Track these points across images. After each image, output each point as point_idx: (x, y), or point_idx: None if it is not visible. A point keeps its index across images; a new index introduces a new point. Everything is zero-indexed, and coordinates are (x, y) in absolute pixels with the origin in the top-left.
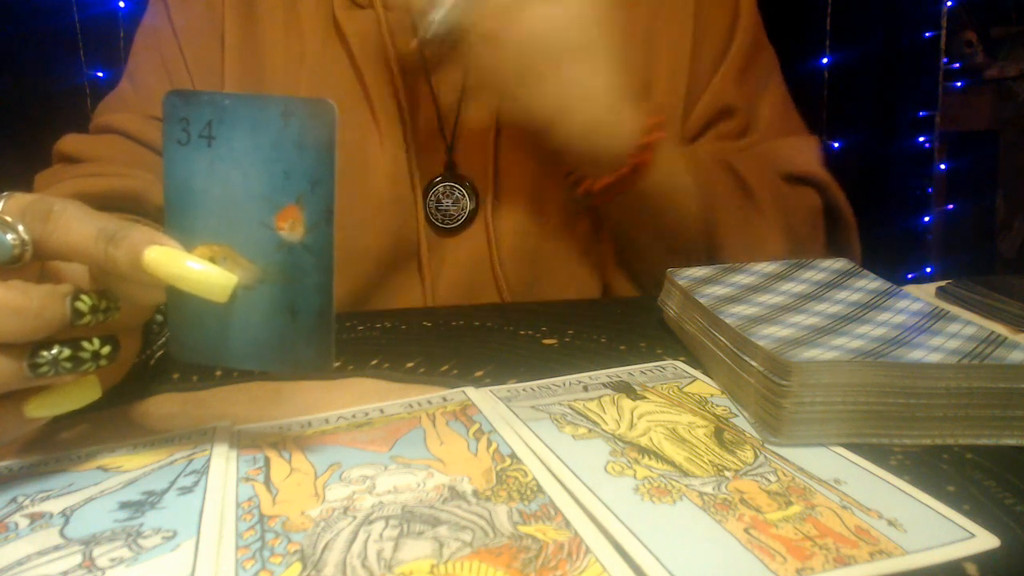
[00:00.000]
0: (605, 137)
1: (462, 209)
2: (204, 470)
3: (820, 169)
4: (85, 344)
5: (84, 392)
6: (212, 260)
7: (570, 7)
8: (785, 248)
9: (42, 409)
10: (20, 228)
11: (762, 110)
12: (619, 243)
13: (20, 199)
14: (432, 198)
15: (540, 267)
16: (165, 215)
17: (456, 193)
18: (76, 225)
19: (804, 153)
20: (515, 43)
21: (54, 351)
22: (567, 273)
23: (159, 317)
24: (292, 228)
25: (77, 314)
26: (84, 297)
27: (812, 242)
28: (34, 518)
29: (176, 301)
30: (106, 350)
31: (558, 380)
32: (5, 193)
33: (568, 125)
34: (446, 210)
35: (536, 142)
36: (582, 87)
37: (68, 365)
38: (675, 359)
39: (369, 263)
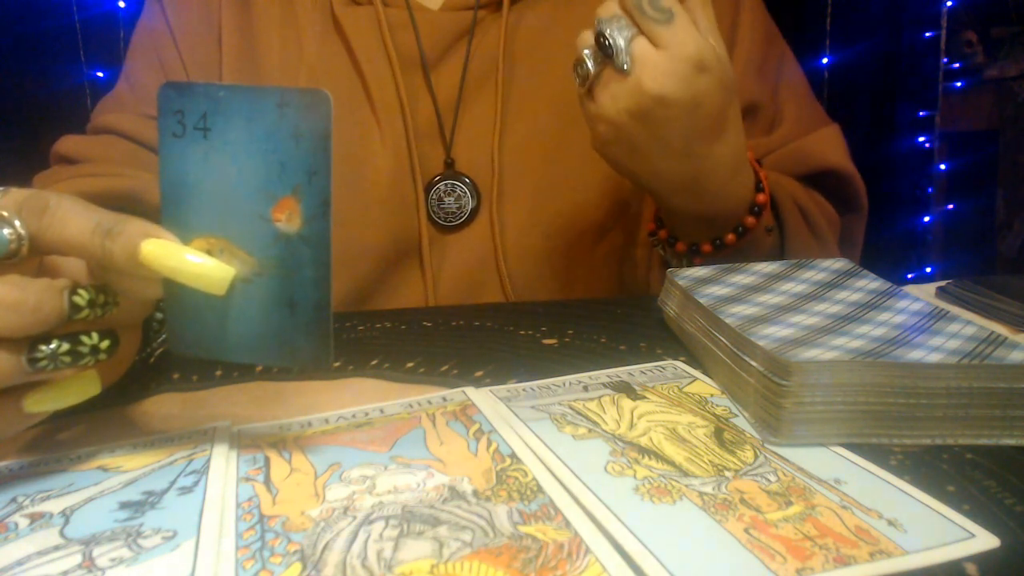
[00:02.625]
0: (729, 200)
1: (463, 207)
2: (204, 470)
3: (846, 161)
4: (84, 338)
5: (83, 387)
6: (209, 253)
7: (724, 73)
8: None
9: (41, 404)
10: (17, 223)
11: (787, 103)
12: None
13: (17, 194)
14: (434, 196)
15: (544, 264)
16: (161, 208)
17: (457, 191)
18: (73, 219)
19: (832, 147)
20: (682, 109)
21: (53, 345)
22: (572, 270)
23: (159, 315)
24: (289, 220)
25: (75, 308)
26: (81, 291)
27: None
28: (34, 518)
29: (174, 295)
30: (105, 344)
31: (558, 380)
32: (1, 188)
33: (698, 192)
34: (447, 208)
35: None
36: (720, 155)
37: (67, 359)
38: (675, 359)
39: (370, 261)
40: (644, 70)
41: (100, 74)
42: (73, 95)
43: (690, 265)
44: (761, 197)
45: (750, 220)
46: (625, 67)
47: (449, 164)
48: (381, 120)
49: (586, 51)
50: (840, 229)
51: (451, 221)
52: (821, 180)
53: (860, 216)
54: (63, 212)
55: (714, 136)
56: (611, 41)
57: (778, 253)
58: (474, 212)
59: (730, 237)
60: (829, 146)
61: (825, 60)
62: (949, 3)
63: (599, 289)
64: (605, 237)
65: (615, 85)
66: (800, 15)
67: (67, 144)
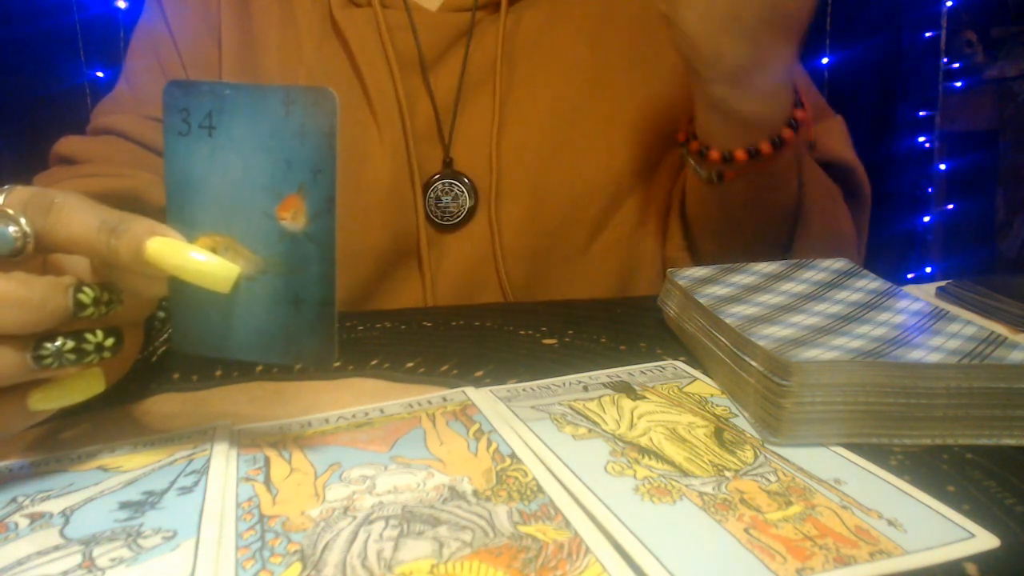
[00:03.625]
0: (772, 104)
1: (461, 206)
2: (204, 470)
3: (850, 152)
4: (88, 336)
5: (88, 384)
6: (214, 251)
7: None
8: (853, 237)
9: (46, 401)
10: (22, 221)
11: None
12: (701, 222)
13: (22, 192)
14: (431, 195)
15: (542, 262)
16: (166, 206)
17: (455, 190)
18: (78, 217)
19: (836, 139)
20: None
21: (57, 343)
22: (570, 267)
23: (160, 314)
24: (294, 218)
25: (79, 306)
26: (86, 289)
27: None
28: (34, 518)
29: (178, 293)
30: (110, 342)
31: (558, 380)
32: (7, 186)
33: (747, 85)
34: (445, 207)
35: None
36: (782, 58)
37: (72, 357)
38: (675, 359)
39: (369, 261)
40: None
41: (100, 74)
42: (73, 95)
43: (720, 177)
44: (800, 113)
45: (787, 132)
46: None
47: (448, 164)
48: (380, 121)
49: None
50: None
51: (449, 220)
52: (826, 171)
53: (864, 208)
54: (68, 210)
55: (787, 35)
56: None
57: (795, 203)
58: (472, 211)
59: (765, 146)
60: (833, 137)
61: (825, 60)
62: (949, 3)
63: (597, 285)
64: (603, 234)
65: None
66: None
67: (67, 144)
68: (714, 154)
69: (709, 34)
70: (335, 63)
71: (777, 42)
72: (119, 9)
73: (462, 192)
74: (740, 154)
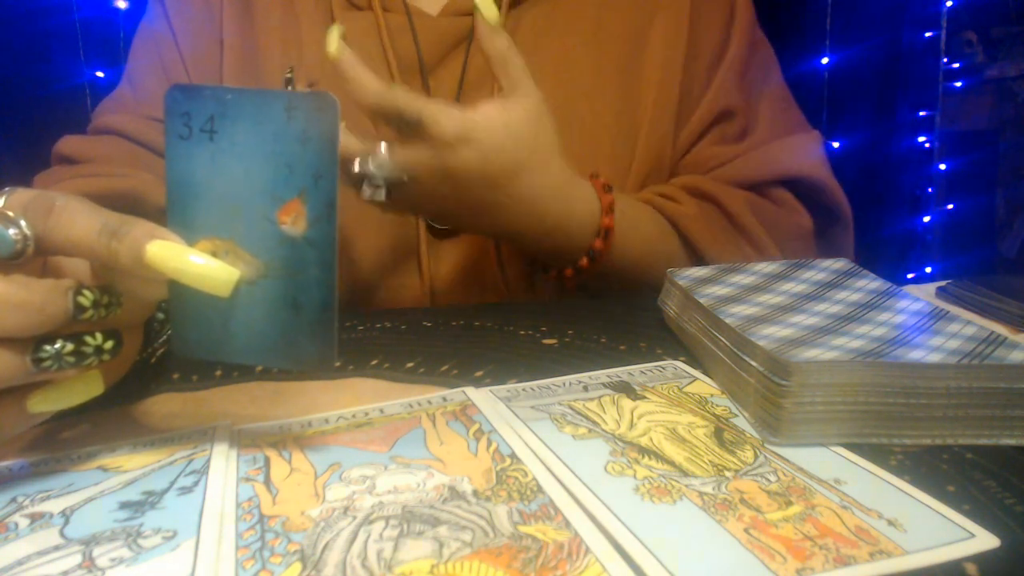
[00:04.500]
0: (564, 237)
1: None
2: (204, 470)
3: (819, 169)
4: (88, 339)
5: (87, 387)
6: (214, 255)
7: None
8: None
9: (45, 404)
10: (22, 223)
11: (762, 110)
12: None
13: (22, 195)
14: None
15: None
16: (167, 210)
17: None
18: (79, 220)
19: (802, 154)
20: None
21: (57, 345)
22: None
23: (160, 315)
24: (295, 222)
25: (79, 309)
26: (86, 292)
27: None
28: (34, 518)
29: (178, 296)
30: (109, 344)
31: (558, 380)
32: (7, 189)
33: (526, 240)
34: None
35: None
36: (521, 196)
37: (71, 359)
38: (675, 359)
39: (368, 263)
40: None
41: (100, 74)
42: (73, 95)
43: (563, 284)
44: (607, 220)
45: (598, 243)
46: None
47: None
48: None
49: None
50: (812, 236)
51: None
52: (794, 188)
53: (844, 227)
54: (69, 213)
55: (505, 182)
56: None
57: (686, 256)
58: None
59: (583, 261)
60: (799, 152)
61: (825, 60)
62: (949, 3)
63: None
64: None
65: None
66: (800, 15)
67: (68, 144)
68: (552, 273)
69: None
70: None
71: (475, 217)
72: (119, 9)
73: None
74: (568, 271)
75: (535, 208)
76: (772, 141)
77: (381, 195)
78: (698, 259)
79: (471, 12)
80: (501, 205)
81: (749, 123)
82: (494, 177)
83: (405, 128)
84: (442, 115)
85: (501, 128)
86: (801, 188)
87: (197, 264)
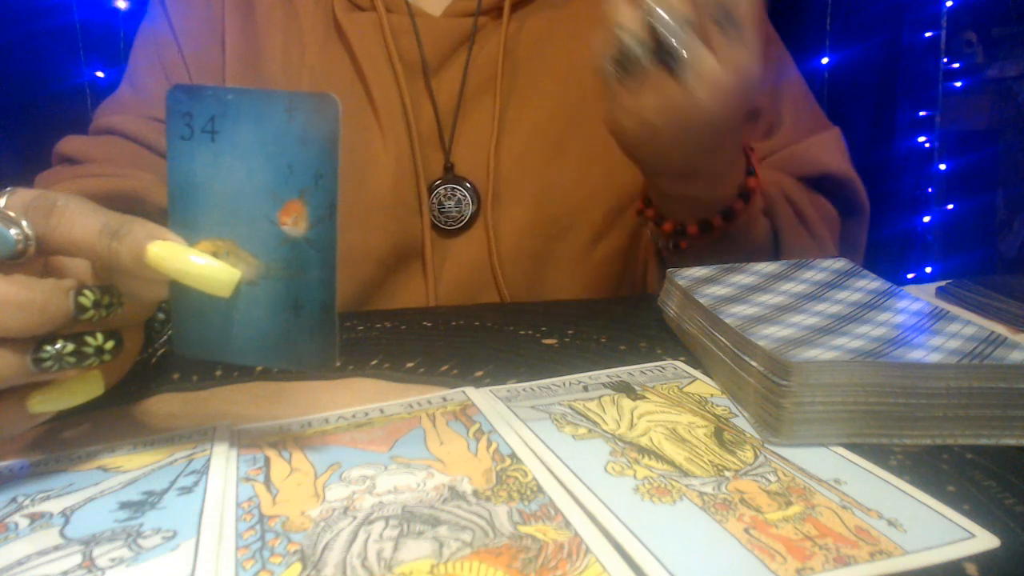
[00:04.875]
0: (719, 187)
1: (463, 212)
2: (204, 470)
3: (845, 165)
4: (88, 339)
5: (87, 387)
6: (215, 255)
7: (757, 89)
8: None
9: (45, 404)
10: (24, 223)
11: (784, 107)
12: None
13: (24, 194)
14: (434, 200)
15: (543, 267)
16: (168, 210)
17: (458, 195)
18: (80, 220)
19: (828, 151)
20: (719, 121)
21: (57, 346)
22: (571, 273)
23: (160, 315)
24: (295, 223)
25: (80, 309)
26: (87, 292)
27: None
28: (34, 518)
29: (179, 296)
30: (109, 345)
31: (558, 380)
32: (8, 188)
33: (693, 179)
34: (448, 212)
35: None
36: (725, 153)
37: (72, 360)
38: (675, 359)
39: (372, 263)
40: (703, 85)
41: (100, 74)
42: (73, 95)
43: (676, 247)
44: (752, 182)
45: (739, 204)
46: (688, 77)
47: (448, 169)
48: (383, 125)
49: (638, 46)
50: (840, 230)
51: (452, 225)
52: (820, 184)
53: (861, 220)
54: (70, 213)
55: (727, 140)
56: (677, 49)
57: (769, 245)
58: (474, 216)
59: (717, 220)
60: (827, 150)
61: (825, 60)
62: (949, 3)
63: (598, 292)
64: (604, 240)
65: (668, 91)
66: (800, 15)
67: (70, 144)
68: (667, 226)
69: (647, 142)
70: (338, 67)
71: (716, 142)
72: (119, 9)
73: (465, 197)
74: (692, 228)
75: (722, 160)
76: (799, 138)
77: (642, 67)
78: (776, 246)
79: (473, 13)
80: (711, 149)
81: (774, 120)
82: (735, 128)
83: (727, 25)
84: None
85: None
86: (828, 184)
87: (198, 264)
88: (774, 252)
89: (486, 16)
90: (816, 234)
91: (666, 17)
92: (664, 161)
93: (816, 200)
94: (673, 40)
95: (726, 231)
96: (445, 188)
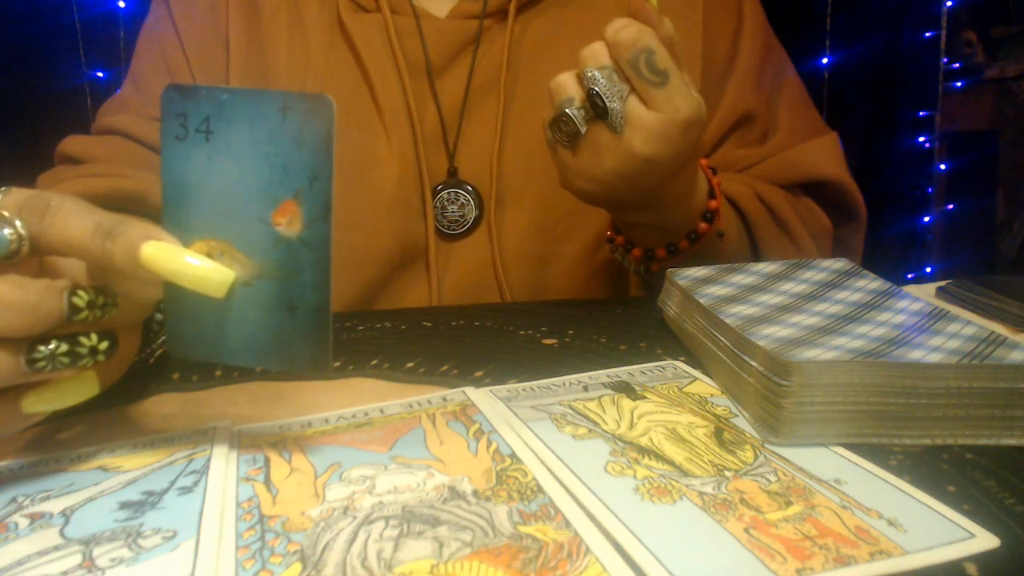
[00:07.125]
0: (677, 213)
1: (466, 216)
2: (204, 470)
3: (840, 171)
4: (83, 339)
5: (82, 388)
6: (209, 256)
7: (704, 125)
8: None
9: (39, 404)
10: (17, 223)
11: (781, 112)
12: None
13: (18, 194)
14: (437, 204)
15: (545, 271)
16: (163, 210)
17: (461, 199)
18: (74, 220)
19: (825, 157)
20: (665, 165)
21: (51, 346)
22: (572, 277)
23: (159, 316)
24: (290, 224)
25: (74, 309)
26: (81, 292)
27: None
28: (34, 518)
29: (173, 297)
30: (104, 346)
31: (558, 380)
32: (3, 188)
33: (653, 209)
34: (451, 216)
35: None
36: (680, 184)
37: (66, 360)
38: (675, 359)
39: (375, 265)
40: (637, 133)
41: (100, 74)
42: (73, 95)
43: (647, 271)
44: (713, 203)
45: (703, 226)
46: (619, 130)
47: (452, 172)
48: (388, 126)
49: (574, 109)
50: (832, 236)
51: (455, 229)
52: (814, 190)
53: (858, 227)
54: (64, 213)
55: (680, 172)
56: (607, 102)
57: (746, 252)
58: (477, 220)
59: (683, 243)
60: (822, 155)
61: (825, 60)
62: (949, 3)
63: (600, 294)
64: (606, 245)
65: (604, 146)
66: (800, 15)
67: (72, 144)
68: (637, 252)
69: (603, 194)
70: (343, 68)
71: (668, 176)
72: (119, 9)
73: (468, 201)
74: (660, 252)
75: (678, 190)
76: (794, 144)
77: (581, 128)
78: (755, 252)
79: (478, 15)
80: (663, 186)
81: (770, 126)
82: (687, 162)
83: (648, 74)
84: (687, 88)
85: (705, 114)
86: (823, 190)
87: (192, 265)
88: (748, 254)
89: (491, 18)
90: (798, 242)
91: (593, 73)
92: (623, 204)
93: (804, 208)
94: (603, 96)
95: (695, 251)
96: (448, 192)
